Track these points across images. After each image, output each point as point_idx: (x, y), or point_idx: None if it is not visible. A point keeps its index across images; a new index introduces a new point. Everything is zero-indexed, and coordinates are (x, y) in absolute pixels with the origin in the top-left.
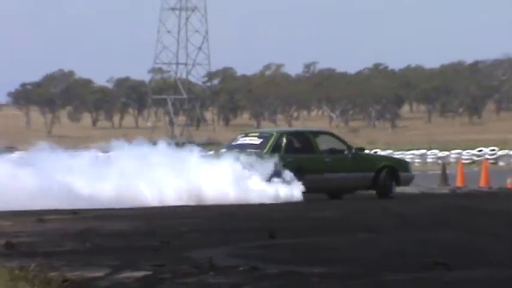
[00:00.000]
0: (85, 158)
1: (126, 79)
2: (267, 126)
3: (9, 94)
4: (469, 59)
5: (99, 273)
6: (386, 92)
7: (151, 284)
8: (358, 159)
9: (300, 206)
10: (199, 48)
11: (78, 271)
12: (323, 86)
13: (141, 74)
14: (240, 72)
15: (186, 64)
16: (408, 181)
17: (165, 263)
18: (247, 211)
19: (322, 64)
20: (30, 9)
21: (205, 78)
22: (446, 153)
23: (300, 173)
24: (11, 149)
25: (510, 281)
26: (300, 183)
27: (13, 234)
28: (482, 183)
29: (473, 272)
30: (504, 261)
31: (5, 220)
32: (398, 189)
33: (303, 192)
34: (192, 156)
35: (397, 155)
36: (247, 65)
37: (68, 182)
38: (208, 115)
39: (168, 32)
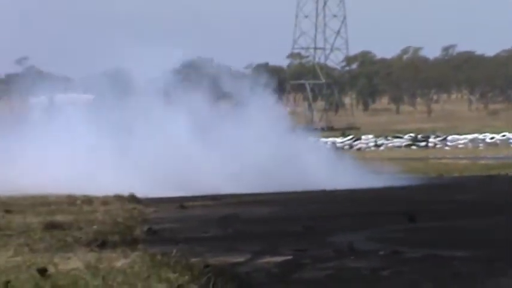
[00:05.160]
0: None
1: (265, 65)
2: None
3: None
4: None
5: (240, 259)
6: None
7: (291, 269)
8: None
9: (437, 189)
10: (337, 33)
11: (220, 257)
12: (462, 69)
13: (279, 59)
14: (378, 55)
15: (324, 49)
16: None
17: (308, 248)
18: (387, 194)
19: (461, 47)
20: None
21: (344, 63)
22: None
23: None
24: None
25: None
26: None
27: (155, 221)
28: None
29: None
30: None
31: (149, 207)
32: None
33: None
34: None
35: None
36: (385, 49)
37: None
38: (347, 100)
39: (306, 17)
